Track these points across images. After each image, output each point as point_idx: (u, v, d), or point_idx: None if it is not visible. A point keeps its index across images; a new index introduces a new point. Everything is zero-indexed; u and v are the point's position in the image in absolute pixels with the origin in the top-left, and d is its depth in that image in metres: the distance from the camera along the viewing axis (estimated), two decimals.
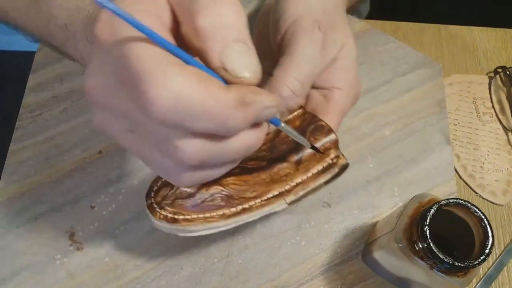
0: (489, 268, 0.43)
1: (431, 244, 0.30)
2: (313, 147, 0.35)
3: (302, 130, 0.36)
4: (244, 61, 0.22)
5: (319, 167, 0.35)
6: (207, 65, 0.23)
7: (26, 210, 0.44)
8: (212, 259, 0.42)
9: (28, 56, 0.56)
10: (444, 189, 0.46)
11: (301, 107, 0.37)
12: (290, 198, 0.35)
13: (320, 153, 0.35)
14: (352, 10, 0.54)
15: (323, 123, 0.36)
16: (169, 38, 0.22)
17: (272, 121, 0.28)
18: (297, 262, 0.42)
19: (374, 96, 0.50)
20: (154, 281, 0.41)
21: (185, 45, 0.24)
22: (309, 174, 0.35)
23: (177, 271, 0.42)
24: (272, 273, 0.42)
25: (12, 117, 0.50)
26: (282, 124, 0.29)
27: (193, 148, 0.23)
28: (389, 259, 0.36)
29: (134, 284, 0.41)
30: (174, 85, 0.20)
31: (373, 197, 0.45)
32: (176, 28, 0.24)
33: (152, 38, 0.20)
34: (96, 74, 0.23)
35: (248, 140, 0.25)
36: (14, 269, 0.41)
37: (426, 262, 0.32)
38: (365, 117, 0.49)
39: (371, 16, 0.70)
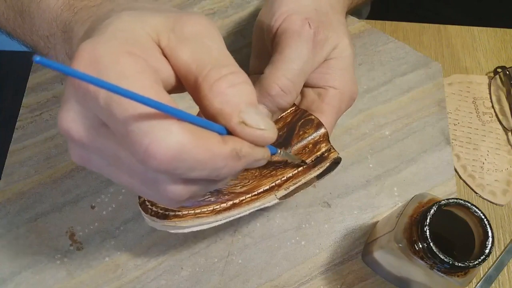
0: (489, 268, 0.43)
1: (431, 244, 0.30)
2: (302, 162, 0.35)
3: (292, 125, 0.36)
4: (260, 117, 0.24)
5: (309, 160, 0.35)
6: (216, 119, 0.24)
7: (26, 210, 0.44)
8: (212, 259, 0.42)
9: (28, 56, 0.56)
10: (444, 189, 0.46)
11: (294, 105, 0.37)
12: (280, 192, 0.34)
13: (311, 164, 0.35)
14: (353, 12, 0.54)
15: (312, 117, 0.36)
16: (159, 91, 0.22)
17: (272, 150, 0.30)
18: (297, 262, 0.42)
19: (374, 96, 0.50)
20: (154, 281, 0.41)
21: (189, 90, 0.25)
22: (300, 168, 0.35)
23: (177, 270, 0.42)
24: (272, 273, 0.42)
25: (12, 117, 0.50)
26: (279, 151, 0.30)
27: (182, 191, 0.24)
28: (389, 259, 0.36)
29: (134, 283, 0.41)
30: (174, 140, 0.21)
31: (373, 197, 0.45)
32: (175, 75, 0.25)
33: (142, 103, 0.20)
34: (73, 112, 0.23)
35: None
36: (14, 269, 0.41)
37: (426, 262, 0.32)
38: (365, 117, 0.49)
39: (371, 16, 0.70)
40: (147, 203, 0.32)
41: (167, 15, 0.25)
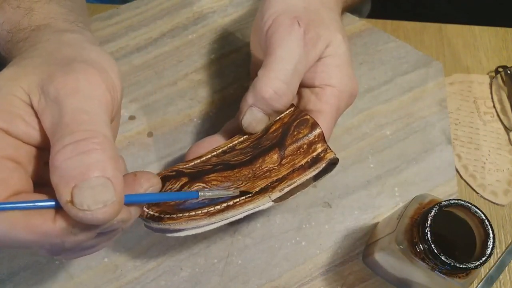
0: (490, 268, 0.43)
1: (432, 246, 0.30)
2: (241, 193, 0.34)
3: (287, 126, 0.36)
4: (91, 194, 0.22)
5: (304, 161, 0.35)
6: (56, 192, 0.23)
7: None
8: (212, 260, 0.42)
9: None
10: (445, 189, 0.46)
11: (292, 105, 0.37)
12: (275, 194, 0.34)
13: (250, 195, 0.34)
14: (353, 10, 0.53)
15: (308, 117, 0.35)
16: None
17: (191, 195, 0.30)
18: (298, 263, 0.42)
19: (375, 96, 0.50)
20: (153, 282, 0.41)
21: None
22: (295, 169, 0.34)
23: (176, 271, 0.42)
24: (272, 274, 0.42)
25: None
26: (201, 194, 0.30)
27: (48, 251, 0.26)
28: (390, 260, 0.36)
29: (133, 284, 0.41)
30: None
31: (374, 197, 0.45)
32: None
33: None
34: None
35: (106, 237, 0.27)
36: (12, 269, 0.41)
37: (427, 264, 0.31)
38: (366, 116, 0.49)
39: (372, 15, 0.70)
40: (144, 206, 0.32)
41: (43, 71, 0.25)
